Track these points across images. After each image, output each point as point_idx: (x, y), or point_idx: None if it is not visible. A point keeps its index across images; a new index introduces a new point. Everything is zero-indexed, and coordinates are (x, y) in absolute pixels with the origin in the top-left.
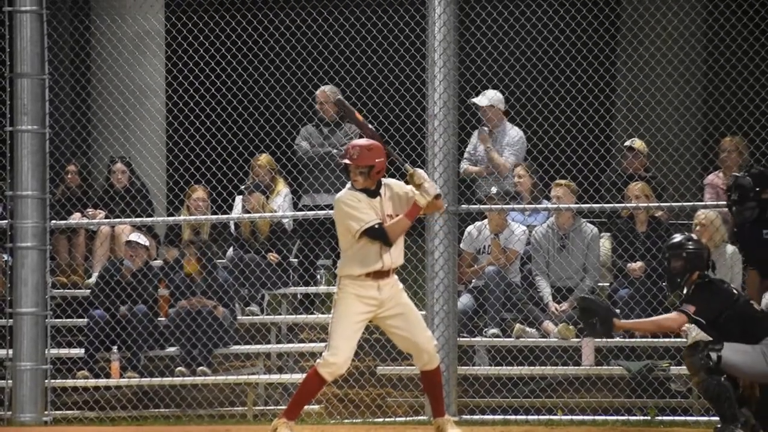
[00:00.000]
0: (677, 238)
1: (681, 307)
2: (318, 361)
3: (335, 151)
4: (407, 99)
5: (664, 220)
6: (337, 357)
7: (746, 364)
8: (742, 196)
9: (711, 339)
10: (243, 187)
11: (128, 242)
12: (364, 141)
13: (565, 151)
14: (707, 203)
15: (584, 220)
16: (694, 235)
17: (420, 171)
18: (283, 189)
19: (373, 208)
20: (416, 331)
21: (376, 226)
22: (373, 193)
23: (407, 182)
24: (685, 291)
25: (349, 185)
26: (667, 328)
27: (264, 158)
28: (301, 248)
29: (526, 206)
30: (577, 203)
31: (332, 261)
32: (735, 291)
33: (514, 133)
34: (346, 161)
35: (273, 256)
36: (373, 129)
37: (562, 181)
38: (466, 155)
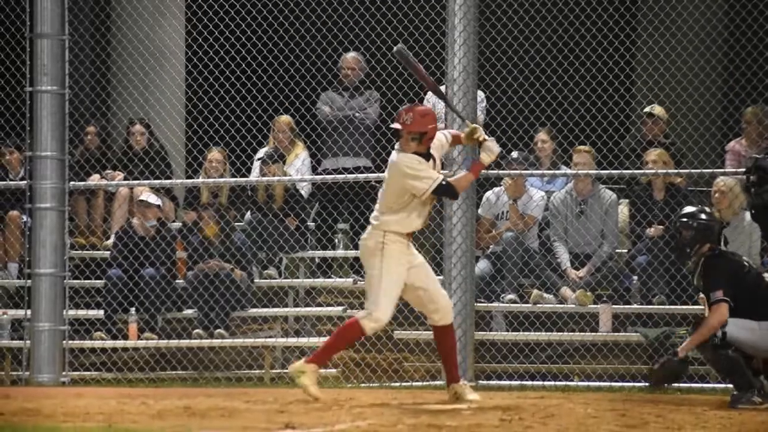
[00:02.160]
0: (690, 208)
1: (711, 299)
2: (361, 313)
3: (358, 114)
4: (426, 63)
5: (683, 186)
6: (383, 314)
7: (750, 341)
8: (761, 178)
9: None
10: (263, 155)
11: (139, 201)
12: (419, 107)
13: (584, 116)
14: (727, 170)
15: (603, 186)
16: (707, 208)
17: (479, 127)
18: (302, 153)
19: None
20: (434, 285)
21: (444, 183)
22: (426, 156)
23: (466, 137)
24: (693, 261)
25: (398, 146)
26: (718, 325)
27: (284, 119)
28: (319, 212)
29: (545, 172)
30: (596, 170)
31: (350, 225)
32: (746, 263)
33: (479, 94)
34: (398, 126)
35: (291, 221)
36: (434, 82)
37: (582, 147)
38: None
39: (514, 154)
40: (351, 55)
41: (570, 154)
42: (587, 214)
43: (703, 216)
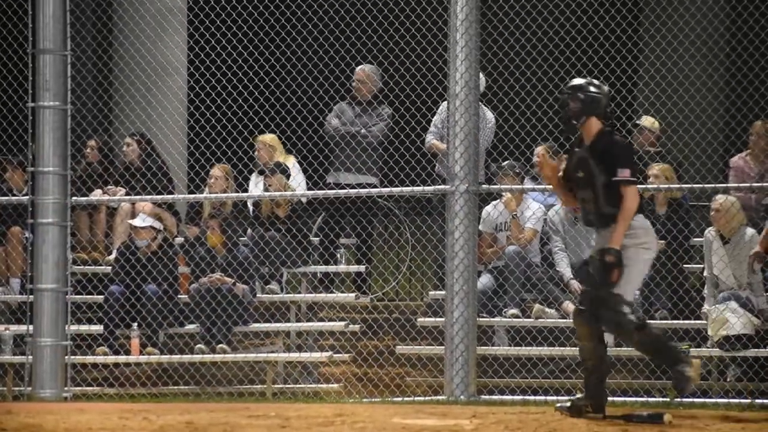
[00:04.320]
0: (578, 80)
1: (619, 176)
2: None
3: (364, 131)
4: (428, 78)
5: (679, 197)
6: None
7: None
8: None
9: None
10: (262, 168)
11: (128, 223)
12: None
13: None
14: (729, 185)
15: None
16: (596, 81)
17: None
18: (293, 163)
19: None
20: None
21: None
22: None
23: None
24: (580, 135)
25: None
26: (635, 207)
27: (262, 138)
28: (321, 227)
29: (546, 187)
30: None
31: (355, 240)
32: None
33: (489, 116)
34: None
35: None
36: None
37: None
38: (432, 128)
39: (505, 163)
40: (362, 67)
41: None
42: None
43: (591, 88)
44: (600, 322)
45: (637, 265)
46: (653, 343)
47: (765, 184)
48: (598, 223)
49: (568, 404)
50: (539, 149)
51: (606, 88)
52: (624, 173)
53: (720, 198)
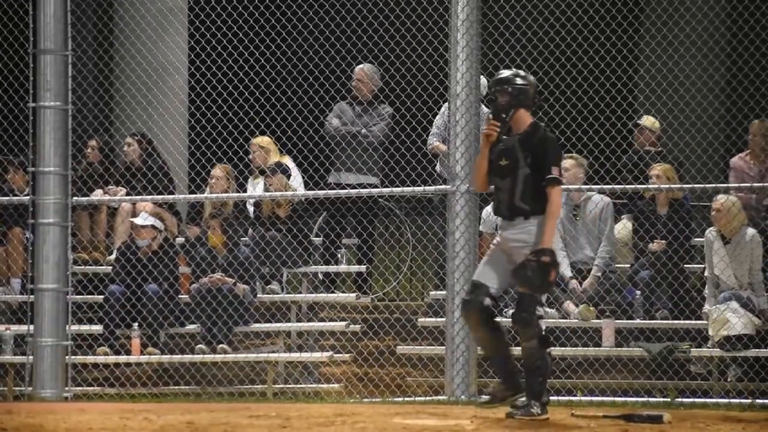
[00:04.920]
0: (505, 73)
1: (552, 174)
2: None
3: (365, 130)
4: (429, 78)
5: (684, 198)
6: None
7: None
8: None
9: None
10: (263, 168)
11: (129, 222)
12: None
13: (587, 131)
14: (730, 185)
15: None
16: (522, 72)
17: None
18: (289, 163)
19: None
20: None
21: None
22: None
23: None
24: (509, 126)
25: None
26: (559, 209)
27: (256, 140)
28: (322, 227)
29: None
30: (594, 177)
31: (356, 240)
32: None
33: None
34: None
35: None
36: None
37: (573, 155)
38: (435, 130)
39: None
40: (362, 67)
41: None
42: (581, 217)
43: (518, 80)
44: (512, 318)
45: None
46: (540, 360)
47: (766, 185)
48: (508, 215)
49: (487, 397)
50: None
51: (532, 78)
52: (555, 171)
53: (721, 198)
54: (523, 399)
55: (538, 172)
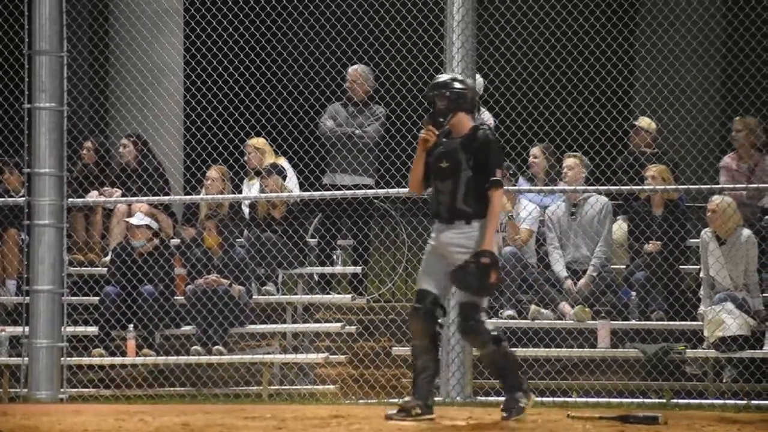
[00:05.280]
0: (443, 77)
1: (496, 177)
2: None
3: (359, 131)
4: (425, 79)
5: (679, 200)
6: None
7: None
8: None
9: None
10: (259, 170)
11: (124, 222)
12: None
13: (582, 132)
14: (725, 186)
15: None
16: (459, 76)
17: None
18: (284, 164)
19: None
20: None
21: None
22: None
23: None
24: (449, 130)
25: None
26: (499, 212)
27: (251, 141)
28: (317, 228)
29: (543, 188)
30: (590, 178)
31: (352, 241)
32: None
33: (486, 116)
34: None
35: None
36: None
37: (574, 153)
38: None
39: None
40: (355, 68)
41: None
42: (580, 219)
43: (456, 84)
44: (460, 328)
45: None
46: (503, 358)
47: (761, 185)
48: (448, 217)
49: (395, 410)
50: (535, 150)
51: (470, 81)
52: (498, 174)
53: (716, 199)
54: (506, 399)
55: (480, 174)
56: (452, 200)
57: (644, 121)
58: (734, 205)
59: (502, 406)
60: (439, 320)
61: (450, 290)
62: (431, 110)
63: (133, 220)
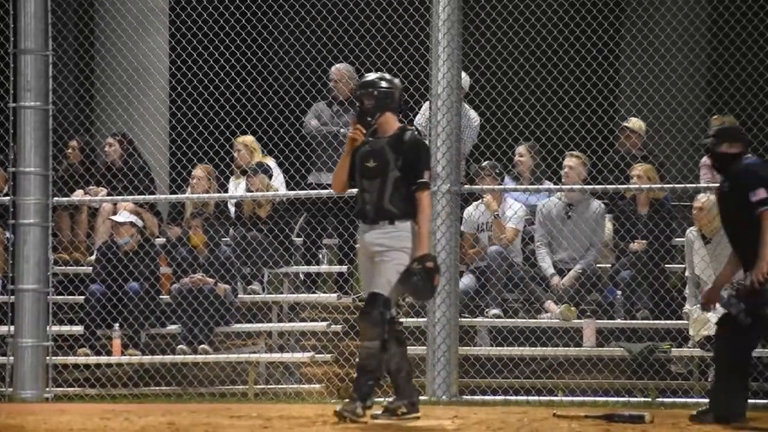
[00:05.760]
0: (370, 76)
1: (423, 180)
2: None
3: (343, 130)
4: (410, 78)
5: (662, 198)
6: None
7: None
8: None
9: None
10: (245, 168)
11: (109, 220)
12: None
13: (568, 131)
14: (711, 185)
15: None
16: (387, 75)
17: None
18: (270, 163)
19: None
20: None
21: None
22: None
23: None
24: (375, 129)
25: None
26: (429, 211)
27: (240, 139)
28: (303, 227)
29: (529, 187)
30: (584, 180)
31: (337, 240)
32: None
33: (473, 115)
34: None
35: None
36: None
37: (575, 152)
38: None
39: (485, 163)
40: (337, 66)
41: (554, 169)
42: (574, 219)
43: (383, 83)
44: (360, 316)
45: (401, 267)
46: (372, 359)
47: None
48: (374, 217)
49: (381, 411)
50: (521, 148)
51: (397, 81)
52: (426, 176)
53: (702, 197)
54: (348, 400)
55: (408, 175)
56: (379, 200)
57: (635, 123)
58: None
59: (343, 404)
60: (396, 318)
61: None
62: (358, 109)
63: (117, 217)
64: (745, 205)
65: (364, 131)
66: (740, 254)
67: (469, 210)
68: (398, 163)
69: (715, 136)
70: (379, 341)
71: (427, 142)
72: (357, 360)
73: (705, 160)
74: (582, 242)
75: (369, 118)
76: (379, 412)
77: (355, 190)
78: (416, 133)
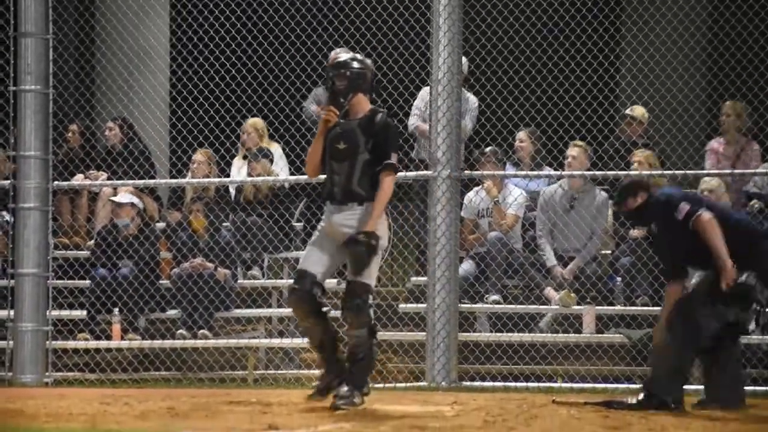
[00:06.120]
0: (342, 56)
1: (390, 161)
2: None
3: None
4: (411, 63)
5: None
6: None
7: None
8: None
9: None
10: (245, 154)
11: (110, 201)
12: None
13: (569, 117)
14: (711, 172)
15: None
16: (359, 56)
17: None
18: (276, 149)
19: None
20: None
21: None
22: None
23: None
24: (347, 113)
25: None
26: (389, 197)
27: (251, 122)
28: (303, 212)
29: (529, 173)
30: (590, 169)
31: None
32: None
33: (472, 99)
34: None
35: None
36: None
37: (579, 143)
38: (416, 111)
39: (488, 149)
40: (336, 51)
41: (554, 155)
42: (577, 209)
43: (355, 64)
44: (343, 306)
45: (378, 254)
46: (368, 350)
47: (746, 171)
48: (342, 199)
49: (313, 390)
50: (521, 134)
51: (369, 62)
52: (394, 158)
53: (711, 180)
54: (345, 389)
55: (378, 158)
56: (347, 182)
57: (638, 111)
58: (724, 186)
59: (338, 393)
60: (321, 300)
61: (333, 272)
62: (330, 90)
63: (118, 198)
64: (677, 230)
65: (337, 112)
66: (705, 267)
67: (470, 196)
68: (368, 146)
69: (617, 200)
70: (367, 328)
71: (439, 127)
72: (346, 350)
73: (711, 144)
74: (585, 231)
75: (342, 99)
76: (338, 400)
77: None
78: (387, 115)
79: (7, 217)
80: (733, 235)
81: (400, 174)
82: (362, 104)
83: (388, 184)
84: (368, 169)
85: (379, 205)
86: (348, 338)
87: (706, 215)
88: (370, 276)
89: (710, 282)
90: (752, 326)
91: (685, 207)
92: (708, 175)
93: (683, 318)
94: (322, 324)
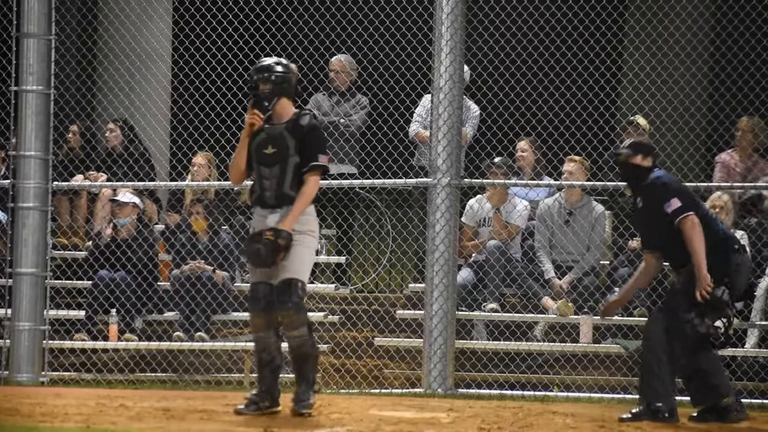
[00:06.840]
0: (266, 60)
1: (318, 162)
2: None
3: (342, 120)
4: (413, 70)
5: None
6: None
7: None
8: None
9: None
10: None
11: (111, 200)
12: None
13: (569, 127)
14: (711, 184)
15: (593, 198)
16: (284, 60)
17: None
18: None
19: None
20: None
21: None
22: None
23: None
24: (271, 117)
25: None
26: (313, 197)
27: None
28: None
29: (529, 182)
30: (590, 180)
31: (335, 231)
32: None
33: (473, 107)
34: None
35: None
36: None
37: (576, 157)
38: (417, 118)
39: (497, 159)
40: (338, 57)
41: (554, 165)
42: (574, 222)
43: (279, 68)
44: (280, 306)
45: (311, 251)
46: (311, 348)
47: (748, 185)
48: (274, 203)
49: (244, 404)
50: (522, 143)
51: (294, 66)
52: (322, 159)
53: (718, 195)
54: (302, 389)
55: (307, 159)
56: (279, 186)
57: (640, 120)
58: (731, 202)
59: (296, 398)
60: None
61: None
62: (254, 94)
63: (120, 197)
64: (661, 217)
65: (262, 117)
66: (674, 263)
67: (472, 203)
68: (297, 149)
69: (630, 148)
70: (306, 326)
71: (440, 135)
72: (290, 352)
73: (722, 157)
74: (582, 243)
75: (266, 103)
76: (242, 405)
77: (346, 181)
78: (314, 117)
79: (2, 217)
80: (712, 243)
81: (399, 181)
82: (287, 108)
83: (312, 184)
84: (299, 171)
85: (300, 204)
86: (289, 340)
87: (693, 219)
88: (303, 273)
89: (685, 291)
90: (721, 340)
91: (676, 203)
92: (708, 187)
93: (662, 324)
94: (275, 339)
